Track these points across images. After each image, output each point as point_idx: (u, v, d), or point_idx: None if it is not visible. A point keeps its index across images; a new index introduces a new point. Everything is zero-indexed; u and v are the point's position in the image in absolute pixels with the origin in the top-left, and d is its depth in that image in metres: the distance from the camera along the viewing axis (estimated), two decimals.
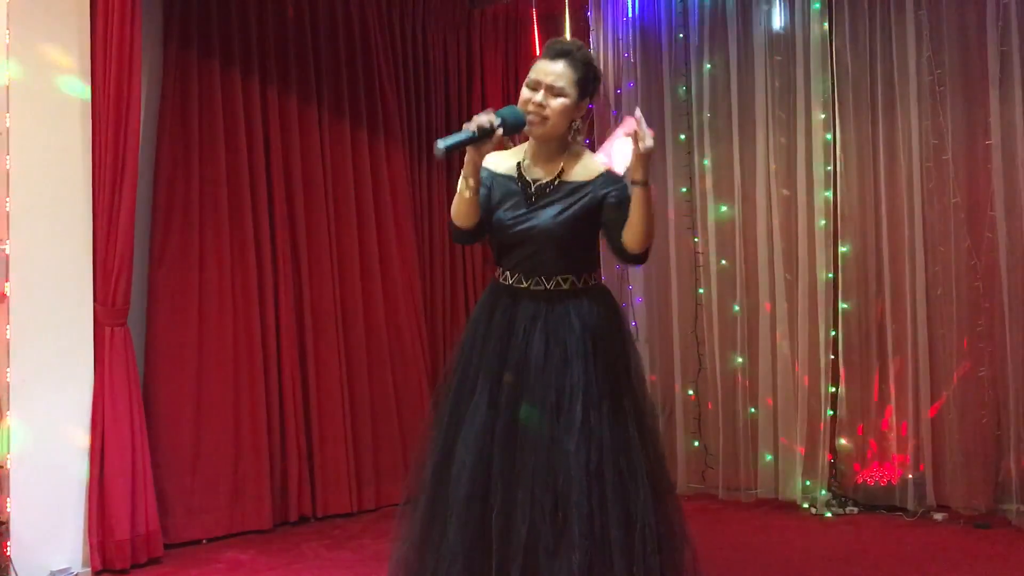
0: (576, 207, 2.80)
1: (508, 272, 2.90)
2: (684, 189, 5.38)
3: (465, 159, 2.75)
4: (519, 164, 2.90)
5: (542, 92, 2.76)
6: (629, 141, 2.64)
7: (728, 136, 5.23)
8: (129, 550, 4.00)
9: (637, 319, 5.49)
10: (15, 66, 3.91)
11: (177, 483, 4.42)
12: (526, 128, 2.78)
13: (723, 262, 5.24)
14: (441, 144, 2.63)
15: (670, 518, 2.83)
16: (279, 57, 4.94)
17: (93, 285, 4.06)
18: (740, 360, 5.17)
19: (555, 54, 2.79)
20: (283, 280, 4.86)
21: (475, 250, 5.75)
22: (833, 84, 4.92)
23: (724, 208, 5.26)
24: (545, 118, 2.77)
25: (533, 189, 2.85)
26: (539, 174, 2.87)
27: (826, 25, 4.93)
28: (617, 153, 2.66)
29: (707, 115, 5.29)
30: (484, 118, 2.69)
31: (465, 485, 2.74)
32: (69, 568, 3.95)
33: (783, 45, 5.07)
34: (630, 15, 5.60)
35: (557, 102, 2.76)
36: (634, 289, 5.49)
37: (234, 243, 4.69)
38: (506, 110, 2.76)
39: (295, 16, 5.01)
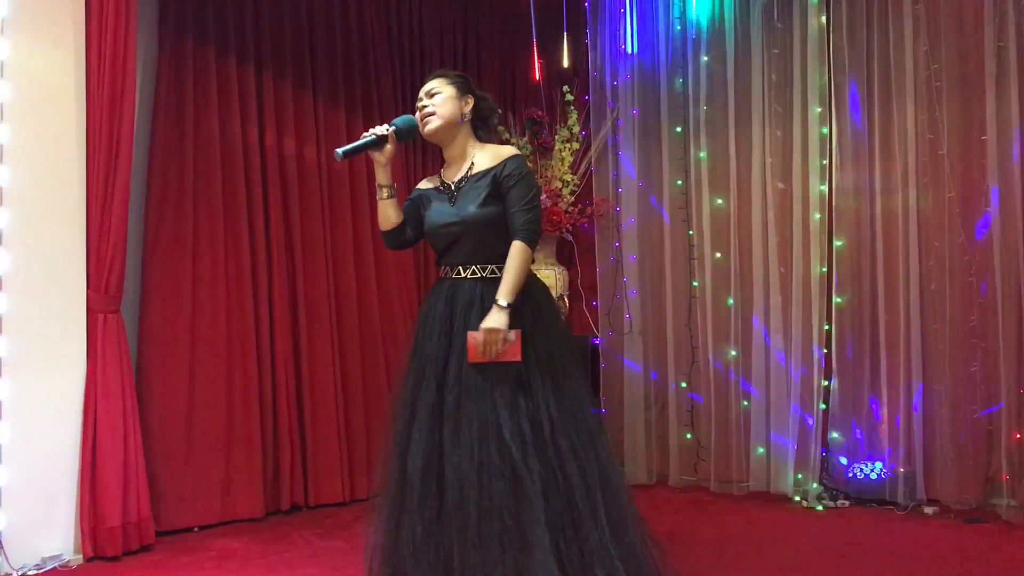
0: (488, 190, 3.07)
1: (448, 267, 3.17)
2: (679, 182, 5.39)
3: (375, 167, 3.20)
4: (440, 175, 3.28)
5: (424, 100, 3.21)
6: (481, 343, 2.93)
7: (724, 129, 5.24)
8: (120, 537, 4.00)
9: (631, 311, 5.50)
10: (8, 51, 3.89)
11: (169, 471, 4.41)
12: (421, 129, 3.20)
13: (717, 255, 5.26)
14: (339, 150, 3.07)
15: (620, 497, 3.03)
16: (275, 46, 4.93)
17: (86, 272, 4.05)
18: (733, 353, 5.18)
19: (429, 79, 3.27)
20: (277, 268, 4.85)
21: None
22: (829, 78, 4.92)
23: (719, 201, 5.26)
24: (432, 114, 3.17)
25: (453, 188, 3.16)
26: (454, 174, 3.21)
27: (823, 19, 4.94)
28: (482, 349, 2.94)
29: (703, 108, 5.29)
30: (380, 127, 3.16)
31: (420, 470, 2.93)
32: (60, 554, 3.95)
33: (780, 38, 5.07)
34: (627, 6, 5.60)
35: (437, 98, 3.18)
36: (628, 281, 5.50)
37: (228, 231, 4.69)
38: (399, 118, 3.23)
39: (291, 3, 4.99)
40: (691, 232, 5.32)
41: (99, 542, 3.97)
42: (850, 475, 4.82)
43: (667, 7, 5.44)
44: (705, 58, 5.29)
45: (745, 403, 5.14)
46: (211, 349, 4.59)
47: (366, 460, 5.10)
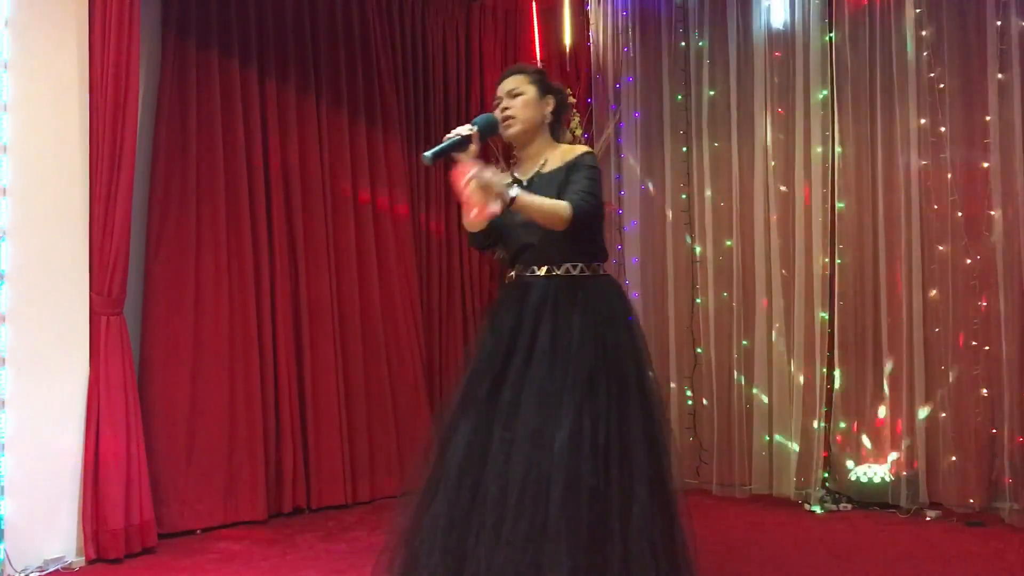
0: (560, 187, 2.98)
1: (519, 266, 3.08)
2: (682, 185, 5.39)
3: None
4: (511, 173, 3.16)
5: (504, 100, 3.12)
6: (474, 190, 2.82)
7: (727, 132, 5.23)
8: (123, 540, 3.99)
9: (633, 313, 5.49)
10: (12, 51, 3.89)
11: (172, 473, 4.41)
12: (501, 131, 3.11)
13: (720, 258, 5.25)
14: (427, 153, 2.99)
15: (670, 507, 2.93)
16: (278, 47, 4.93)
17: (89, 274, 4.05)
18: (735, 356, 5.18)
19: (506, 75, 3.18)
20: (279, 271, 4.85)
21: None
22: (832, 81, 4.92)
23: (722, 204, 5.26)
24: (513, 117, 3.09)
25: (525, 185, 3.03)
26: (527, 171, 3.13)
27: (826, 22, 4.93)
28: (476, 205, 2.84)
29: (706, 111, 5.29)
30: (462, 127, 3.05)
31: (459, 459, 2.86)
32: (63, 557, 3.95)
33: (783, 42, 5.07)
34: (629, 10, 5.60)
35: (518, 100, 3.09)
36: (631, 284, 5.50)
37: (231, 234, 4.68)
38: (480, 116, 3.14)
39: (294, 5, 4.99)
40: (693, 235, 5.32)
41: (101, 544, 3.97)
42: (852, 478, 4.82)
43: (669, 7, 5.43)
44: (708, 61, 5.29)
45: (747, 406, 5.14)
46: (214, 351, 4.59)
47: (368, 463, 5.10)
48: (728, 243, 5.22)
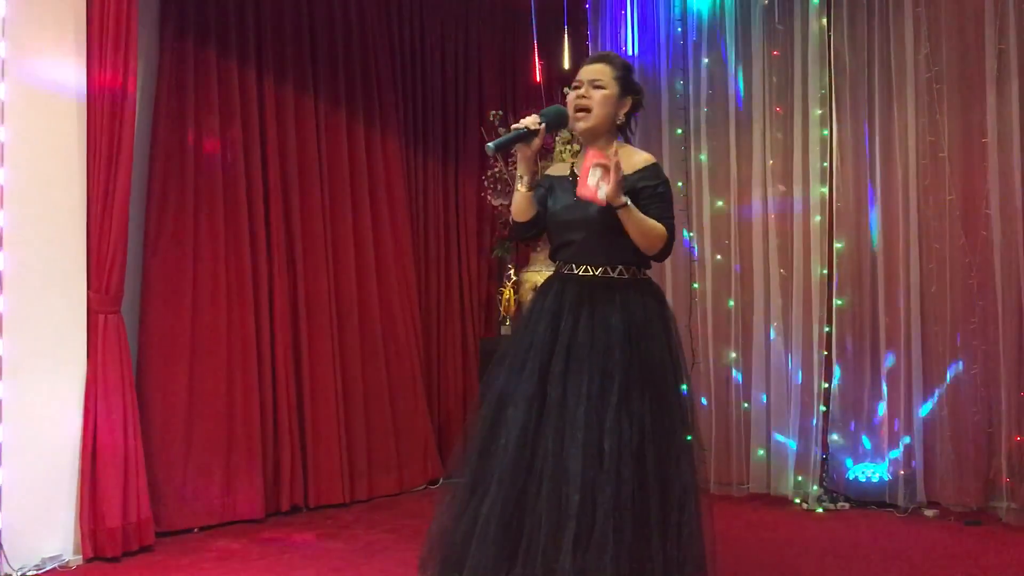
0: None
1: (561, 261, 3.07)
2: (680, 184, 5.38)
3: (517, 157, 3.01)
4: (572, 164, 3.12)
5: (584, 87, 3.01)
6: (600, 171, 2.80)
7: (725, 131, 5.23)
8: (120, 538, 3.99)
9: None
10: (9, 51, 3.89)
11: (169, 471, 4.41)
12: (571, 124, 3.03)
13: (718, 257, 5.25)
14: (491, 144, 2.91)
15: (699, 511, 2.93)
16: (276, 45, 4.92)
17: (87, 272, 4.05)
18: (734, 355, 5.18)
19: (594, 59, 3.09)
20: (277, 269, 4.85)
21: (469, 241, 5.76)
22: (830, 80, 4.92)
23: (720, 203, 5.26)
24: (588, 109, 2.99)
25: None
26: None
27: (824, 21, 4.93)
28: (594, 184, 2.81)
29: (704, 110, 5.28)
30: (529, 118, 2.94)
31: (511, 456, 2.84)
32: (60, 555, 3.94)
33: (781, 40, 5.06)
34: (628, 9, 5.59)
35: (598, 93, 2.99)
36: None
37: (229, 232, 4.68)
38: (548, 109, 3.02)
39: (292, 4, 4.99)
40: (692, 234, 5.32)
41: (99, 543, 3.97)
42: (850, 477, 4.82)
43: (668, 8, 5.43)
44: (706, 60, 5.29)
45: (745, 405, 5.14)
46: (211, 350, 4.58)
47: (366, 461, 5.10)
48: (726, 242, 5.22)
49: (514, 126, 2.95)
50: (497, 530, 2.79)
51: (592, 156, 2.82)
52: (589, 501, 2.74)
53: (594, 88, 3.00)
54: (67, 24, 4.03)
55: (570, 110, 3.03)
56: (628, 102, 3.06)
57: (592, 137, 3.04)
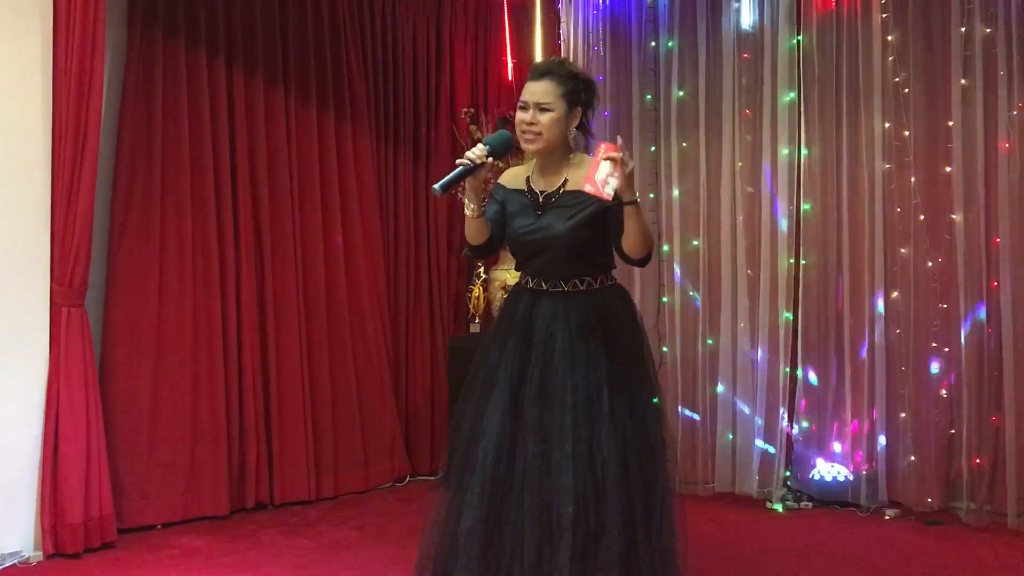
0: (583, 214, 2.94)
1: (529, 277, 3.07)
2: (650, 184, 5.40)
3: (466, 187, 2.99)
4: (528, 178, 3.11)
5: (531, 110, 2.96)
6: (609, 165, 2.77)
7: (695, 132, 5.25)
8: (82, 534, 3.95)
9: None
10: None
11: (132, 467, 4.36)
12: (521, 145, 3.01)
13: (686, 257, 5.27)
14: (437, 185, 2.86)
15: (675, 512, 2.99)
16: (246, 39, 4.88)
17: (50, 264, 3.99)
18: (701, 354, 5.20)
19: (539, 74, 3.00)
20: (245, 265, 4.81)
21: (439, 238, 5.73)
22: (799, 84, 4.96)
23: (689, 203, 5.28)
24: (538, 134, 2.96)
25: (540, 199, 3.02)
26: (544, 185, 3.06)
27: (794, 26, 4.97)
28: (602, 178, 2.78)
29: (674, 111, 5.30)
30: (473, 152, 2.92)
31: (489, 473, 2.86)
32: (20, 551, 3.90)
33: (751, 43, 5.09)
34: (600, 8, 5.60)
35: (546, 116, 2.95)
36: None
37: (196, 226, 4.64)
38: (492, 137, 3.03)
39: None
40: (661, 233, 5.34)
41: (60, 539, 3.93)
42: (814, 477, 4.87)
43: (639, 8, 5.44)
44: (676, 61, 5.30)
45: (710, 405, 5.17)
46: (177, 344, 4.54)
47: (332, 458, 5.07)
48: (695, 243, 5.24)
49: (459, 161, 2.93)
50: (480, 545, 2.83)
51: (604, 148, 2.78)
52: (583, 513, 2.76)
53: (541, 112, 2.95)
54: (33, 13, 3.98)
55: (518, 132, 3.01)
56: (578, 112, 3.03)
57: (545, 155, 3.04)
